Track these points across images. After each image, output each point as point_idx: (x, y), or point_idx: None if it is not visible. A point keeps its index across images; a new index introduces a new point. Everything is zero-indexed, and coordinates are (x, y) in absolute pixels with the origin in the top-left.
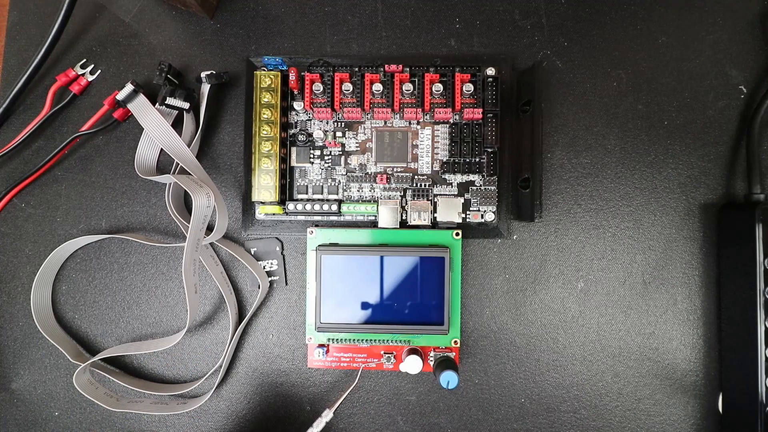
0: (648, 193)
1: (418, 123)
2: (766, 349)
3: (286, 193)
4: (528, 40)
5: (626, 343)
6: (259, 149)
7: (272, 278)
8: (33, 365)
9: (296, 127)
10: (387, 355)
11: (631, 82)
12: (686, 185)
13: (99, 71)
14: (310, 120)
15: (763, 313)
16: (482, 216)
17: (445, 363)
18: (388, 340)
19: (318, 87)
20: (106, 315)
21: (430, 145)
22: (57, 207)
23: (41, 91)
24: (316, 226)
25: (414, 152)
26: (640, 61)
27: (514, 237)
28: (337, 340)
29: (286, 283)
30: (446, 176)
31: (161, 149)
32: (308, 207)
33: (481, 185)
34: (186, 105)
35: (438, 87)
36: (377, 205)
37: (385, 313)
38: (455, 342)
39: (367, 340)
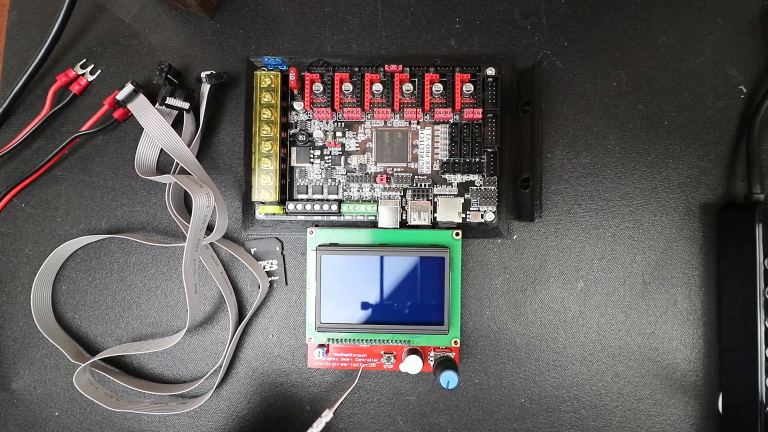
0: (648, 193)
1: (418, 123)
2: (766, 349)
3: (286, 193)
4: (528, 40)
5: (626, 343)
6: (259, 149)
7: (272, 278)
8: (33, 365)
9: (296, 127)
10: (387, 355)
11: (631, 82)
12: (686, 185)
13: (99, 71)
14: (310, 120)
15: (763, 313)
16: (482, 216)
17: (445, 363)
18: (388, 340)
19: (318, 87)
20: (106, 315)
21: (430, 145)
22: (57, 207)
23: (41, 91)
24: (316, 226)
25: (414, 152)
26: (640, 61)
27: (514, 237)
28: (337, 340)
29: (286, 283)
30: (446, 176)
31: (161, 149)
32: (308, 207)
33: (481, 185)
34: (186, 105)
35: (438, 87)
36: (377, 205)
37: (385, 313)
38: (455, 342)
39: (367, 340)
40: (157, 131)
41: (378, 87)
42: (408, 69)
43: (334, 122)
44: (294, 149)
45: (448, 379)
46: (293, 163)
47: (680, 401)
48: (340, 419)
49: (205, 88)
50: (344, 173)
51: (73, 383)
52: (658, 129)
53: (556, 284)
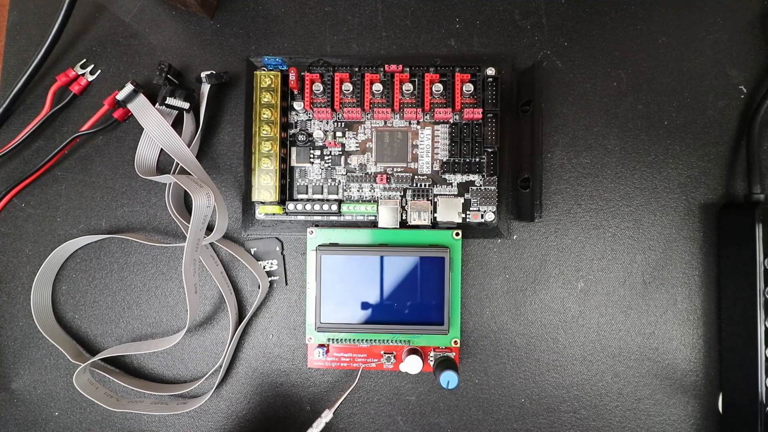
0: (648, 193)
1: (418, 123)
2: (766, 349)
3: (286, 193)
4: (528, 40)
5: (626, 343)
6: (259, 149)
7: (272, 278)
8: (33, 365)
9: (296, 127)
10: (387, 355)
11: (631, 82)
12: (686, 185)
13: (99, 71)
14: (310, 120)
15: (763, 313)
16: (482, 216)
17: (445, 363)
18: (388, 340)
19: (318, 87)
20: (106, 315)
21: (430, 145)
22: (57, 207)
23: (41, 91)
24: (316, 226)
25: (414, 152)
26: (640, 61)
27: (514, 237)
28: (337, 340)
29: (286, 283)
30: (446, 176)
31: (161, 149)
32: (308, 207)
33: (481, 185)
34: (186, 105)
35: (438, 87)
36: (377, 205)
37: (385, 313)
38: (455, 342)
39: (367, 340)
40: (157, 131)
41: (378, 87)
42: (408, 69)
43: (334, 122)
44: (294, 149)
45: (448, 379)
46: (293, 163)
47: (680, 401)
48: (340, 419)
49: (205, 88)
50: (344, 173)
51: (73, 383)
52: (658, 129)
53: (556, 284)
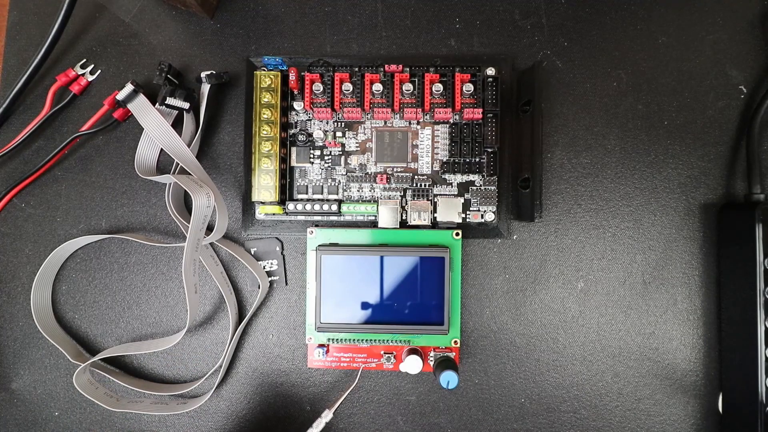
0: (648, 193)
1: (418, 123)
2: (766, 349)
3: (286, 193)
4: (528, 40)
5: (626, 343)
6: (259, 149)
7: (272, 278)
8: (33, 365)
9: (296, 127)
10: (387, 355)
11: (631, 82)
12: (686, 185)
13: (99, 71)
14: (310, 120)
15: (763, 313)
16: (482, 216)
17: (445, 363)
18: (388, 340)
19: (318, 87)
20: (106, 315)
21: (430, 145)
22: (57, 207)
23: (41, 91)
24: (316, 226)
25: (414, 152)
26: (640, 61)
27: (514, 237)
28: (337, 340)
29: (286, 283)
30: (446, 176)
31: (161, 149)
32: (308, 207)
33: (481, 185)
34: (186, 105)
35: (438, 87)
36: (377, 205)
37: (385, 313)
38: (455, 342)
39: (367, 340)
40: (157, 131)
41: (378, 87)
42: (408, 69)
43: (334, 122)
44: (294, 149)
45: (448, 379)
46: (293, 163)
47: (680, 401)
48: (340, 419)
49: (205, 88)
50: (344, 173)
51: (73, 383)
52: (658, 129)
53: (556, 284)
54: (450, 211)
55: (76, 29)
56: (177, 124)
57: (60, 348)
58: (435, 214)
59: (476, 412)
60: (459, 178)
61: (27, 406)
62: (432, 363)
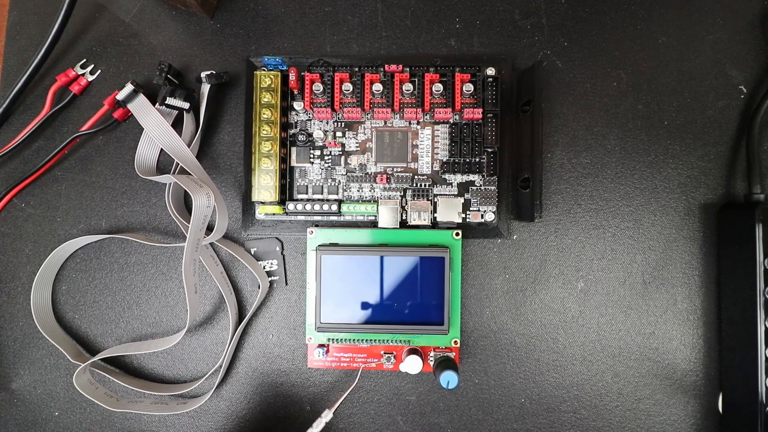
0: (648, 193)
1: (418, 123)
2: (766, 349)
3: (286, 193)
4: (528, 40)
5: (626, 343)
6: (259, 149)
7: (272, 278)
8: (33, 365)
9: (296, 127)
10: (387, 355)
11: (631, 82)
12: (686, 185)
13: (99, 71)
14: (310, 120)
15: (763, 313)
16: (482, 216)
17: (445, 363)
18: (388, 340)
19: (318, 87)
20: (106, 315)
21: (430, 145)
22: (57, 207)
23: (41, 91)
24: (316, 226)
25: (414, 152)
26: (640, 61)
27: (514, 237)
28: (337, 340)
29: (286, 283)
30: (446, 176)
31: (161, 149)
32: (308, 207)
33: (481, 185)
34: (186, 105)
35: (438, 87)
36: (377, 205)
37: (385, 313)
38: (455, 342)
39: (367, 340)
40: (157, 131)
41: (378, 87)
42: (408, 69)
43: (334, 122)
44: (294, 149)
45: (448, 379)
46: (293, 163)
47: (680, 401)
48: (340, 419)
49: (205, 88)
50: (344, 173)
51: (73, 383)
52: (658, 129)
53: (556, 284)
54: (450, 211)
55: (76, 29)
56: (177, 124)
57: (60, 348)
58: (435, 214)
59: (476, 412)
60: (459, 178)
61: (27, 406)
62: (432, 363)
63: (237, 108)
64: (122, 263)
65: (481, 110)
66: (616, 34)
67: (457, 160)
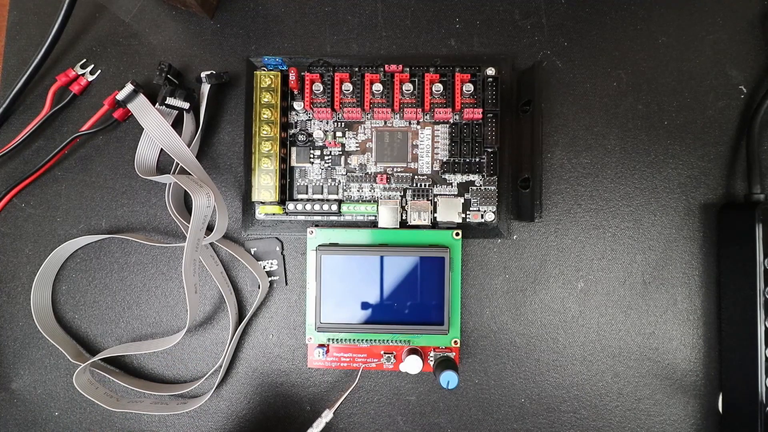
0: (648, 193)
1: (418, 123)
2: (766, 349)
3: (286, 193)
4: (528, 40)
5: (626, 343)
6: (259, 149)
7: (272, 278)
8: (33, 365)
9: (296, 127)
10: (387, 355)
11: (631, 82)
12: (686, 185)
13: (99, 71)
14: (310, 120)
15: (763, 313)
16: (482, 216)
17: (445, 363)
18: (388, 340)
19: (318, 87)
20: (106, 315)
21: (430, 145)
22: (57, 207)
23: (41, 91)
24: (316, 226)
25: (414, 152)
26: (640, 61)
27: (514, 237)
28: (337, 340)
29: (286, 283)
30: (446, 176)
31: (161, 149)
32: (308, 207)
33: (481, 185)
34: (186, 105)
35: (438, 87)
36: (377, 205)
37: (385, 313)
38: (455, 342)
39: (367, 340)
40: (157, 131)
41: (378, 87)
42: (408, 69)
43: (334, 122)
44: (294, 149)
45: (448, 379)
46: (293, 163)
47: (680, 401)
48: (340, 419)
49: (205, 88)
50: (344, 173)
51: (73, 383)
52: (658, 129)
53: (556, 284)
54: (450, 211)
55: (76, 29)
56: (177, 124)
57: (60, 348)
58: (435, 214)
59: (476, 412)
60: (459, 178)
61: (27, 406)
62: (432, 363)
63: (237, 108)
64: (122, 263)
65: (481, 110)
66: (616, 34)
67: (457, 160)
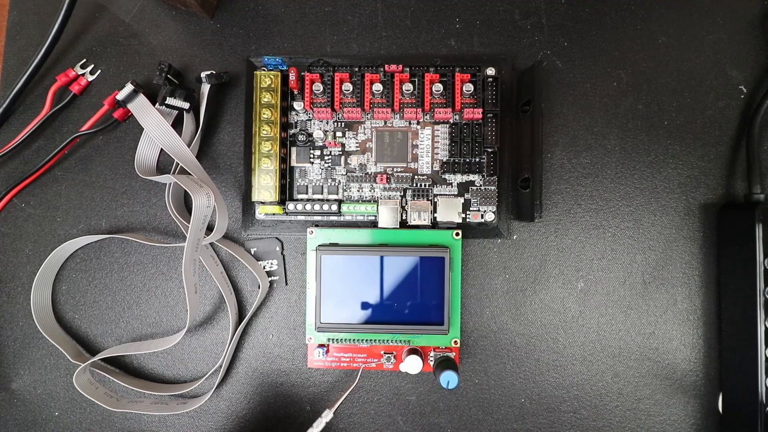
0: (648, 193)
1: (418, 123)
2: (766, 349)
3: (286, 193)
4: (528, 40)
5: (626, 343)
6: (259, 149)
7: (272, 278)
8: (33, 365)
9: (296, 127)
10: (387, 355)
11: (631, 82)
12: (686, 185)
13: (99, 71)
14: (310, 120)
15: (763, 313)
16: (482, 216)
17: (445, 363)
18: (388, 340)
19: (318, 87)
20: (106, 315)
21: (430, 145)
22: (57, 207)
23: (41, 91)
24: (316, 226)
25: (414, 152)
26: (640, 61)
27: (514, 237)
28: (337, 340)
29: (286, 283)
30: (446, 176)
31: (161, 149)
32: (308, 207)
33: (481, 185)
34: (186, 105)
35: (438, 87)
36: (377, 205)
37: (385, 313)
38: (455, 342)
39: (367, 340)
40: (157, 131)
41: (378, 87)
42: (408, 69)
43: (334, 122)
44: (294, 149)
45: (448, 379)
46: (293, 163)
47: (680, 401)
48: (340, 419)
49: (205, 88)
50: (344, 173)
51: (73, 383)
52: (658, 129)
53: (556, 284)
54: (450, 211)
55: (76, 29)
56: (177, 124)
57: (60, 348)
58: (435, 214)
59: (476, 412)
60: (459, 178)
61: (27, 406)
62: (432, 363)
63: (237, 108)
64: (122, 263)
65: (481, 110)
66: (616, 34)
67: (457, 160)
